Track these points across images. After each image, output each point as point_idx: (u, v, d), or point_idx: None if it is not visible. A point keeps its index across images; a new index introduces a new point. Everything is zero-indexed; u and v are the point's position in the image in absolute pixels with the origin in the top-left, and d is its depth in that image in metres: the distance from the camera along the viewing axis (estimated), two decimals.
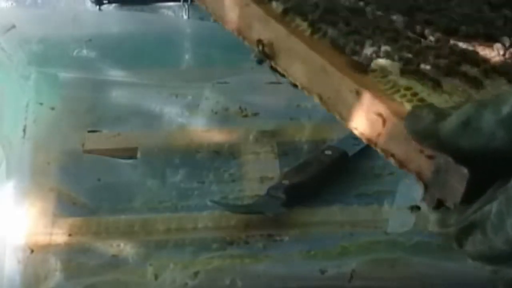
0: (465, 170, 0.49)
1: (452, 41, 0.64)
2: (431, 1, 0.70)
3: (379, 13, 0.67)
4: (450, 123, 0.49)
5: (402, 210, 0.99)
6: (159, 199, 1.02)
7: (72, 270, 0.92)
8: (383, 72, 0.59)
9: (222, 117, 1.15)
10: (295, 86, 0.65)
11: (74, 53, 1.24)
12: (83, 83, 1.19)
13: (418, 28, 0.66)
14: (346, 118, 0.59)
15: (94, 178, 1.04)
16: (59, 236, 0.96)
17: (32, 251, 0.93)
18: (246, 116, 1.15)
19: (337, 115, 0.60)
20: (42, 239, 0.95)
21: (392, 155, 0.56)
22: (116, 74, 1.21)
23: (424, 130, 0.51)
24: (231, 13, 0.70)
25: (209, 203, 1.00)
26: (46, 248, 0.94)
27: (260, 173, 1.06)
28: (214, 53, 1.26)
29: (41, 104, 1.14)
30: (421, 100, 0.56)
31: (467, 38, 0.65)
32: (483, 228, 0.48)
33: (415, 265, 0.93)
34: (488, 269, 0.91)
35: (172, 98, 1.17)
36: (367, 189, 1.03)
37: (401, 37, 0.64)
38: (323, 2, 0.67)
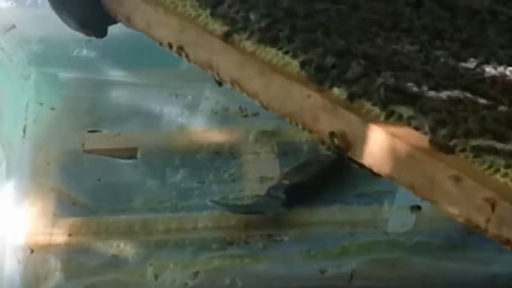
0: None
1: None
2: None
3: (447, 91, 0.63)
4: None
5: (402, 210, 0.99)
6: (159, 199, 1.02)
7: (72, 270, 0.92)
8: (475, 151, 0.55)
9: (222, 117, 1.15)
10: (377, 175, 0.61)
11: (74, 53, 1.24)
12: (83, 83, 1.19)
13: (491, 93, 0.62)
14: (445, 206, 0.55)
15: (94, 178, 1.05)
16: (59, 236, 0.96)
17: (32, 251, 0.93)
18: (246, 116, 1.15)
19: (434, 203, 0.56)
20: (42, 239, 0.95)
21: (508, 241, 0.54)
22: (116, 74, 1.21)
23: None
24: (293, 107, 0.66)
25: (209, 203, 1.01)
26: (46, 248, 0.94)
27: (260, 173, 1.06)
28: None
29: (41, 104, 1.14)
30: None
31: None
32: None
33: (415, 265, 0.93)
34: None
35: (172, 98, 1.18)
36: (367, 189, 1.03)
37: (479, 107, 0.60)
38: (388, 80, 0.62)
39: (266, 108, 0.70)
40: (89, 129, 1.12)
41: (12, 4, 1.33)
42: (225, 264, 0.92)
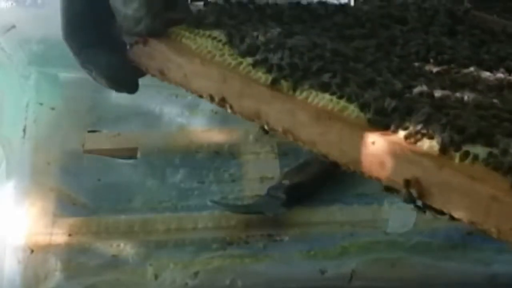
0: None
1: None
2: None
3: None
4: None
5: (402, 210, 0.99)
6: (159, 199, 1.02)
7: (72, 270, 0.92)
8: None
9: (222, 117, 1.14)
10: (454, 219, 0.57)
11: None
12: (83, 83, 1.19)
13: None
14: None
15: (94, 178, 1.05)
16: (59, 236, 0.96)
17: (32, 251, 0.93)
18: None
19: None
20: (42, 239, 0.95)
21: None
22: None
23: None
24: (356, 154, 0.62)
25: (209, 203, 1.01)
26: (46, 248, 0.94)
27: (260, 173, 1.06)
28: None
29: (41, 104, 1.14)
30: None
31: None
32: None
33: (415, 265, 0.93)
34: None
35: (172, 98, 1.17)
36: (367, 189, 1.03)
37: None
38: (453, 120, 0.59)
39: (325, 157, 0.66)
40: (89, 129, 1.12)
41: (12, 4, 1.33)
42: (225, 264, 0.92)
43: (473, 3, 0.85)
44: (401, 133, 0.60)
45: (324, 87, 0.66)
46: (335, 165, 0.66)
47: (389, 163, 0.59)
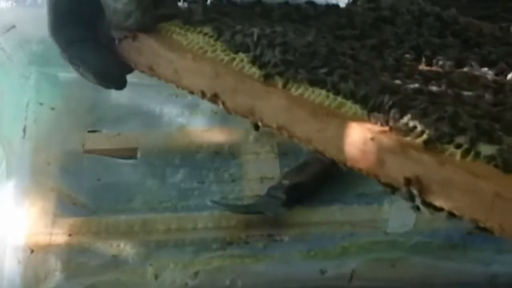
0: None
1: None
2: None
3: None
4: None
5: (402, 210, 0.99)
6: (159, 199, 1.02)
7: (72, 270, 0.92)
8: None
9: (222, 117, 1.14)
10: (453, 216, 0.56)
11: None
12: (83, 83, 1.18)
13: None
14: None
15: (94, 178, 1.05)
16: (59, 236, 0.95)
17: (32, 251, 0.93)
18: None
19: None
20: (42, 239, 0.95)
21: None
22: None
23: None
24: (354, 151, 0.61)
25: (209, 203, 1.01)
26: (46, 248, 0.94)
27: (260, 173, 1.06)
28: None
29: (41, 104, 1.14)
30: None
31: None
32: None
33: (415, 265, 0.93)
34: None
35: (172, 98, 1.17)
36: (367, 189, 1.03)
37: None
38: (451, 117, 0.59)
39: (321, 154, 0.65)
40: (89, 129, 1.12)
41: (12, 4, 1.33)
42: (225, 264, 0.92)
43: (472, 3, 0.85)
44: (400, 130, 0.59)
45: (320, 84, 0.65)
46: (332, 163, 0.65)
47: (388, 160, 0.59)
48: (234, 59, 0.70)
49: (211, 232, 0.97)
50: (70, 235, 0.96)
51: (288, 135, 0.68)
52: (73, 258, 0.93)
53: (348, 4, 0.83)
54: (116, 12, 0.76)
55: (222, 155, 1.09)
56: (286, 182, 1.01)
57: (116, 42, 0.79)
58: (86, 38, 0.80)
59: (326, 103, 0.64)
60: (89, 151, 1.09)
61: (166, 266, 0.92)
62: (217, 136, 1.12)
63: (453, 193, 0.55)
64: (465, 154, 0.56)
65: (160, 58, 0.75)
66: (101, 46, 0.80)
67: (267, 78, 0.67)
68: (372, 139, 0.60)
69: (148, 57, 0.77)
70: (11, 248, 0.94)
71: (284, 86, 0.66)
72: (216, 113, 1.15)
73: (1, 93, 1.15)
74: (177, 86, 0.75)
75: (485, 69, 0.69)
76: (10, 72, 1.18)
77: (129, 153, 1.09)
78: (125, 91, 1.18)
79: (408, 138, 0.58)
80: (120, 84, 0.81)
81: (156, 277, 0.91)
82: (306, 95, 0.65)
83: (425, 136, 0.57)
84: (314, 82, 0.66)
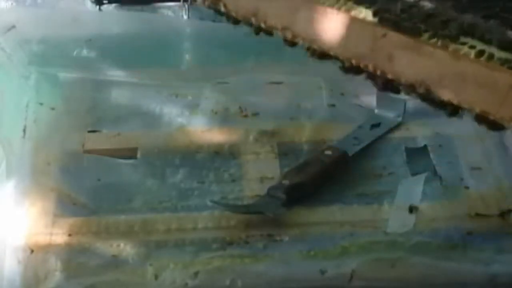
0: None
1: None
2: None
3: None
4: None
5: (402, 210, 0.99)
6: (159, 199, 1.02)
7: (72, 270, 0.92)
8: None
9: (222, 117, 1.15)
10: (458, 110, 0.58)
11: (74, 53, 1.24)
12: (83, 83, 1.19)
13: None
14: None
15: (94, 178, 1.04)
16: (59, 236, 0.96)
17: (32, 251, 0.93)
18: (246, 116, 1.15)
19: None
20: (42, 239, 0.95)
21: None
22: (116, 74, 1.21)
23: None
24: (362, 48, 0.62)
25: (209, 203, 1.00)
26: (46, 248, 0.94)
27: (260, 173, 1.06)
28: (214, 53, 1.26)
29: (41, 104, 1.14)
30: None
31: None
32: None
33: (415, 265, 0.93)
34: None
35: (172, 98, 1.18)
36: (367, 189, 1.03)
37: None
38: (456, 18, 0.60)
39: (324, 54, 0.64)
40: (89, 129, 1.12)
41: (12, 4, 1.33)
42: (225, 264, 0.92)
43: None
44: (411, 29, 0.59)
45: None
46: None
47: (397, 56, 0.60)
48: None
49: (211, 232, 0.97)
50: (70, 235, 0.96)
51: (292, 36, 0.66)
52: (73, 258, 0.93)
53: None
54: None
55: (222, 155, 1.09)
56: (286, 182, 1.01)
57: None
58: None
59: (336, 6, 0.64)
60: (89, 151, 1.08)
61: (166, 266, 0.92)
62: (217, 136, 1.12)
63: (467, 86, 0.56)
64: (478, 54, 0.57)
65: None
66: None
67: None
68: (384, 35, 0.60)
69: None
70: (11, 248, 0.94)
71: None
72: (216, 113, 1.15)
73: (1, 93, 1.15)
74: None
75: None
76: (10, 72, 1.18)
77: (129, 153, 1.09)
78: (125, 91, 1.20)
79: (421, 38, 0.59)
80: None
81: (156, 277, 0.91)
82: None
83: (438, 35, 0.58)
84: None
